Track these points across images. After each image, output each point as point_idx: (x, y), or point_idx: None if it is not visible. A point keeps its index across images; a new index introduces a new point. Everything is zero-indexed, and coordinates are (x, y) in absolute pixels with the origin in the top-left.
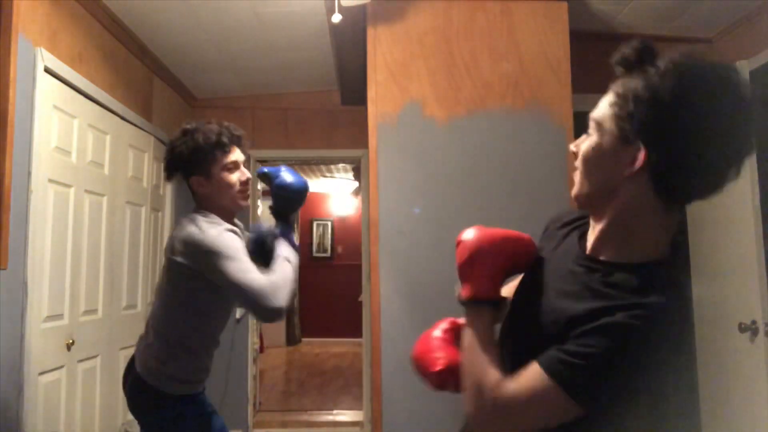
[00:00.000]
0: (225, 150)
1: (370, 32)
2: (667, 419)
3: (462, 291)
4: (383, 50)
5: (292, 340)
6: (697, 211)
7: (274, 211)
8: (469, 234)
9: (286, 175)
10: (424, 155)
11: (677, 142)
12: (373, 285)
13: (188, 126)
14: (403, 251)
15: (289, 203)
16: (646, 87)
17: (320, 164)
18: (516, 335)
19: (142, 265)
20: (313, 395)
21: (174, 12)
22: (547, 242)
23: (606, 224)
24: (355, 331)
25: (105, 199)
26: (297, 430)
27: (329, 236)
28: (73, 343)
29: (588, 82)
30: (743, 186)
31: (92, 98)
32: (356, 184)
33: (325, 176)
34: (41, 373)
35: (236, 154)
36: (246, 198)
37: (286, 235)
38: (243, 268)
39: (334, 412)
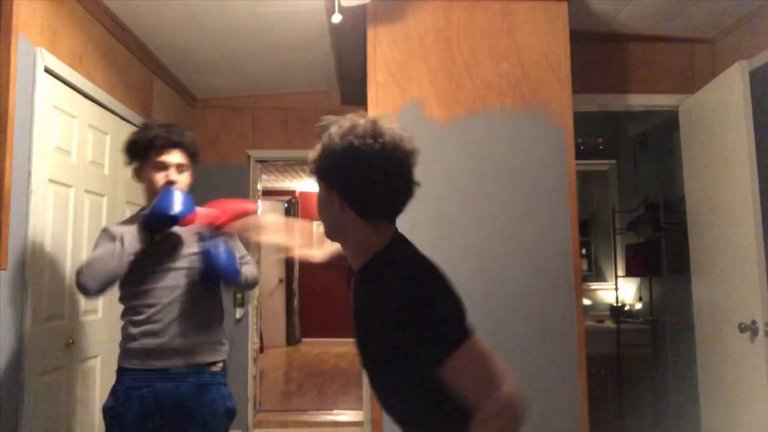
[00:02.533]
0: (157, 150)
1: (370, 32)
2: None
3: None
4: (383, 50)
5: (292, 340)
6: (697, 211)
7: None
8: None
9: (162, 200)
10: (424, 155)
11: (350, 178)
12: None
13: (146, 121)
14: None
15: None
16: (321, 149)
17: None
18: (361, 354)
19: None
20: (313, 395)
21: (174, 12)
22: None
23: (349, 251)
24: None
25: (105, 199)
26: (297, 430)
27: None
28: (73, 343)
29: (588, 82)
30: (743, 186)
31: (92, 98)
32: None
33: None
34: (41, 373)
35: (170, 156)
36: None
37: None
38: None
39: (334, 412)
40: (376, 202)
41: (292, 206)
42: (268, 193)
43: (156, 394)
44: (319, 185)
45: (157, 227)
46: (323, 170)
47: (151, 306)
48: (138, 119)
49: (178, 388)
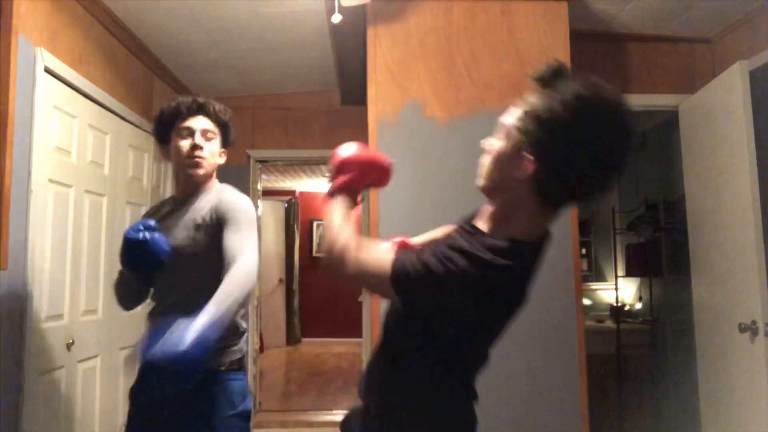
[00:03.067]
0: (182, 117)
1: (370, 32)
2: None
3: (332, 184)
4: (383, 50)
5: (292, 340)
6: (697, 211)
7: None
8: (345, 149)
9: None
10: (424, 155)
11: (562, 163)
12: None
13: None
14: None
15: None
16: (547, 110)
17: (320, 164)
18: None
19: None
20: (313, 395)
21: (174, 12)
22: None
23: (494, 208)
24: (355, 331)
25: (105, 199)
26: (297, 430)
27: None
28: (73, 343)
29: None
30: (743, 186)
31: (92, 98)
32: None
33: (325, 176)
34: (41, 373)
35: (194, 122)
36: (195, 166)
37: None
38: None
39: (334, 412)
40: (575, 195)
41: (292, 206)
42: (268, 193)
43: (159, 402)
44: (512, 138)
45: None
46: (539, 135)
47: (155, 298)
48: (138, 119)
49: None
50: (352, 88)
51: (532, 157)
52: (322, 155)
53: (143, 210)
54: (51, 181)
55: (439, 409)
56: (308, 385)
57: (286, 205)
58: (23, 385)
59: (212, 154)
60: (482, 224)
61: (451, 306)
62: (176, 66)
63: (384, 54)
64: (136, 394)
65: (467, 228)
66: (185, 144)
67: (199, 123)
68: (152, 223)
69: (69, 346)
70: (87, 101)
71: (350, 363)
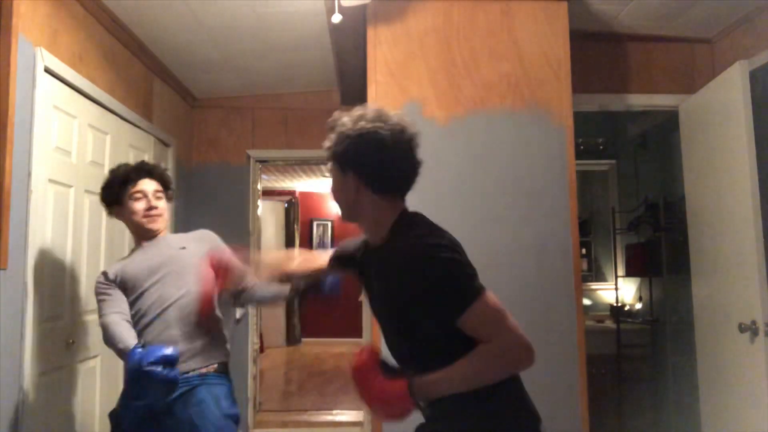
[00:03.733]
0: (133, 182)
1: (370, 32)
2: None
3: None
4: (383, 50)
5: (292, 340)
6: (697, 211)
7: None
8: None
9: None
10: (424, 155)
11: (364, 158)
12: None
13: (113, 168)
14: None
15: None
16: (336, 135)
17: (320, 164)
18: (381, 322)
19: None
20: (313, 395)
21: (174, 12)
22: (365, 262)
23: (366, 224)
24: (355, 331)
25: None
26: (297, 430)
27: (329, 236)
28: (73, 343)
29: (588, 82)
30: (743, 186)
31: (92, 98)
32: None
33: (325, 176)
34: (41, 373)
35: (146, 185)
36: (151, 221)
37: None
38: (100, 309)
39: (334, 412)
40: (391, 177)
41: (292, 206)
42: (268, 193)
43: (149, 405)
44: (334, 170)
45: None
46: (339, 154)
47: (141, 319)
48: (138, 119)
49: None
50: (352, 88)
51: (350, 171)
52: (322, 155)
53: None
54: (51, 181)
55: (510, 401)
56: (308, 385)
57: (286, 205)
58: (23, 385)
59: (164, 212)
60: (377, 241)
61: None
62: (176, 66)
63: (384, 54)
64: (117, 420)
65: (372, 254)
66: (140, 205)
67: (149, 185)
68: (175, 355)
69: (69, 346)
70: (87, 101)
71: (350, 363)
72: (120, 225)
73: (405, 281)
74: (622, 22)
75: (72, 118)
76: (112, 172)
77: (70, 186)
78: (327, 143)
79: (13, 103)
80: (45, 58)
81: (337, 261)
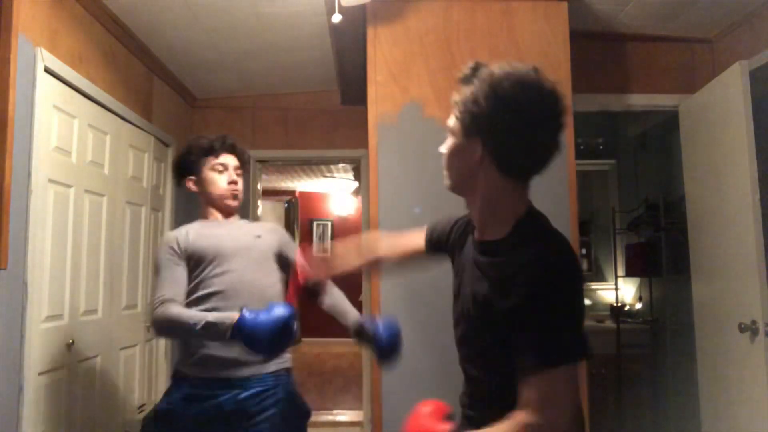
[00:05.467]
0: (215, 154)
1: (370, 32)
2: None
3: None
4: (383, 50)
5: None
6: (697, 211)
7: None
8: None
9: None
10: (424, 155)
11: (500, 128)
12: (373, 285)
13: (193, 136)
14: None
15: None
16: (471, 93)
17: (320, 164)
18: (459, 325)
19: (142, 265)
20: (313, 395)
21: (174, 12)
22: (457, 246)
23: (478, 207)
24: None
25: (105, 199)
26: None
27: (329, 236)
28: (73, 343)
29: (588, 82)
30: (743, 186)
31: (92, 98)
32: (356, 184)
33: (325, 176)
34: (41, 373)
35: (228, 159)
36: (233, 198)
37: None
38: (158, 282)
39: (334, 412)
40: (526, 157)
41: (292, 206)
42: (268, 193)
43: (219, 405)
44: (457, 127)
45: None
46: (472, 114)
47: (207, 300)
48: (138, 119)
49: (240, 395)
50: (352, 88)
51: (477, 138)
52: (322, 155)
53: (143, 210)
54: (51, 181)
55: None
56: (308, 385)
57: (286, 205)
58: (23, 385)
59: (241, 190)
60: (489, 234)
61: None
62: (176, 66)
63: (384, 54)
64: (170, 418)
65: (479, 249)
66: (222, 179)
67: (231, 160)
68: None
69: (69, 346)
70: (87, 101)
71: (350, 363)
72: (120, 225)
73: (522, 307)
74: (622, 22)
75: (72, 118)
76: (192, 140)
77: (70, 186)
78: (457, 96)
79: (13, 103)
80: (45, 58)
81: (432, 246)
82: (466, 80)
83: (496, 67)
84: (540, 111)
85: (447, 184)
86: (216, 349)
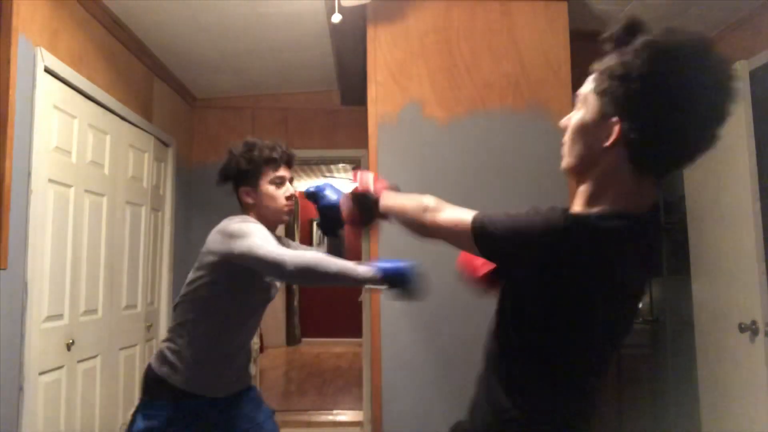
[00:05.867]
0: (275, 166)
1: (370, 32)
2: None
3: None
4: (383, 50)
5: (292, 340)
6: (697, 211)
7: (322, 229)
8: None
9: (330, 195)
10: (424, 155)
11: (648, 116)
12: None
13: (249, 140)
14: (403, 251)
15: (331, 222)
16: (620, 64)
17: (320, 164)
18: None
19: (142, 265)
20: (313, 395)
21: (174, 12)
22: None
23: (584, 188)
24: (355, 331)
25: (105, 199)
26: (297, 430)
27: None
28: (73, 343)
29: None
30: (743, 186)
31: (92, 98)
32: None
33: (325, 176)
34: (41, 373)
35: (285, 171)
36: (288, 213)
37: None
38: (257, 243)
39: (334, 412)
40: (671, 151)
41: None
42: None
43: (209, 422)
44: (592, 105)
45: (337, 225)
46: (618, 91)
47: (234, 338)
48: (138, 119)
49: (228, 403)
50: (352, 88)
51: (615, 118)
52: (322, 155)
53: (143, 210)
54: (51, 181)
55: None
56: (308, 385)
57: None
58: (23, 385)
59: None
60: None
61: (539, 261)
62: (176, 66)
63: (384, 54)
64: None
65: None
66: (280, 193)
67: (287, 172)
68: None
69: (69, 346)
70: (87, 101)
71: (350, 363)
72: (120, 225)
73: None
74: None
75: (72, 118)
76: (251, 147)
77: (70, 186)
78: (608, 62)
79: (13, 103)
80: (45, 58)
81: None
82: (618, 42)
83: (657, 34)
84: (706, 99)
85: (564, 165)
86: (224, 369)
